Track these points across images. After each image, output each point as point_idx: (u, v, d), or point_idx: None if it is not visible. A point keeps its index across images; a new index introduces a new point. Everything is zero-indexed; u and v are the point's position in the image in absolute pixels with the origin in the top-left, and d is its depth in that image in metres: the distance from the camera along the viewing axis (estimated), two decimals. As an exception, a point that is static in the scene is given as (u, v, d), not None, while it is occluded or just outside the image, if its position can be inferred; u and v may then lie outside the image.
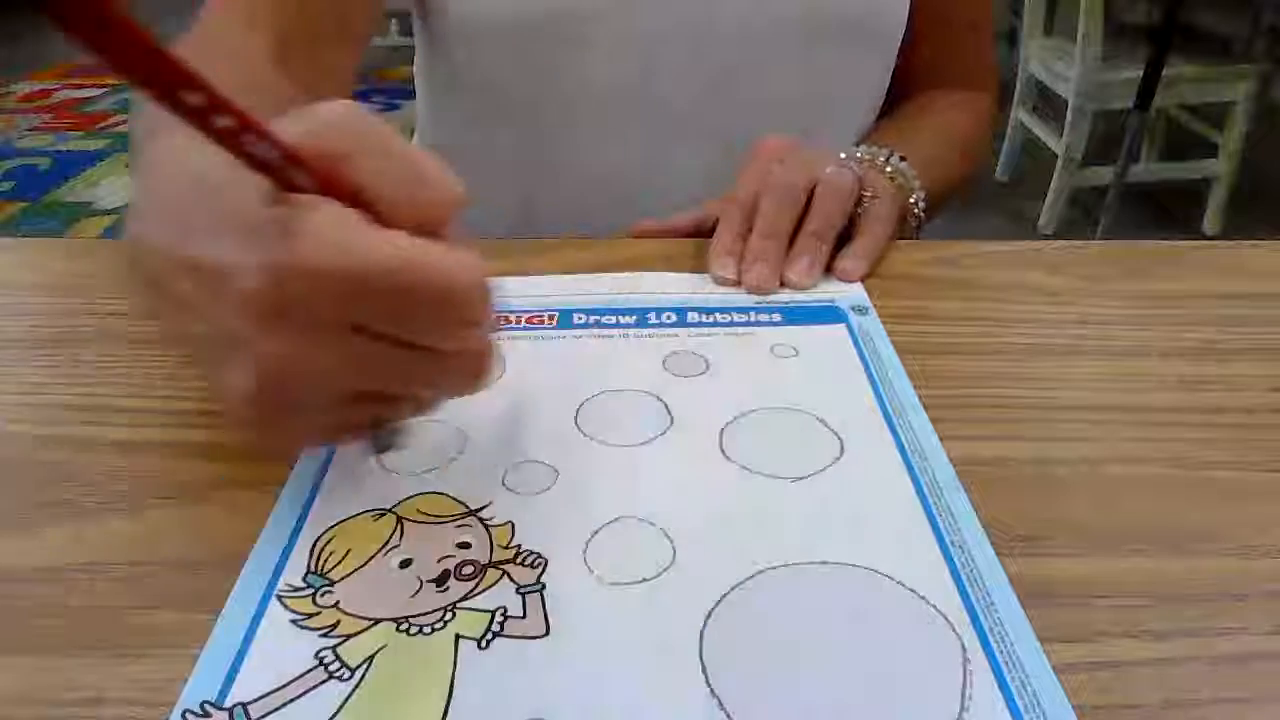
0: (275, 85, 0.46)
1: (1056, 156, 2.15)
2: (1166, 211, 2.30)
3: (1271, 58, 2.24)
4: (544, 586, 0.29)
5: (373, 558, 0.30)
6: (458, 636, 0.27)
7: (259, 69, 0.46)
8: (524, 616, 0.28)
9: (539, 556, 0.30)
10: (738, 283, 0.46)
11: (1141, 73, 1.79)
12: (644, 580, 0.29)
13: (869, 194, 0.48)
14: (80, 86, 3.23)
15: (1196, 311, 0.45)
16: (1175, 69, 1.89)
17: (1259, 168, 2.29)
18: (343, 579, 0.29)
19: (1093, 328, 0.44)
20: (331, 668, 0.26)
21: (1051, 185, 2.18)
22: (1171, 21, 1.73)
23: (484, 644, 0.27)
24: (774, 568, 0.29)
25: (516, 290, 0.46)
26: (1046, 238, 2.12)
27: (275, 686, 0.26)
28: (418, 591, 0.29)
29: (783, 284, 0.46)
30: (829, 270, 0.47)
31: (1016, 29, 2.41)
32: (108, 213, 2.34)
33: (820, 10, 0.57)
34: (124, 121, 2.92)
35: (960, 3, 0.64)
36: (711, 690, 0.25)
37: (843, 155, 0.50)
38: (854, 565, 0.29)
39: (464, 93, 0.63)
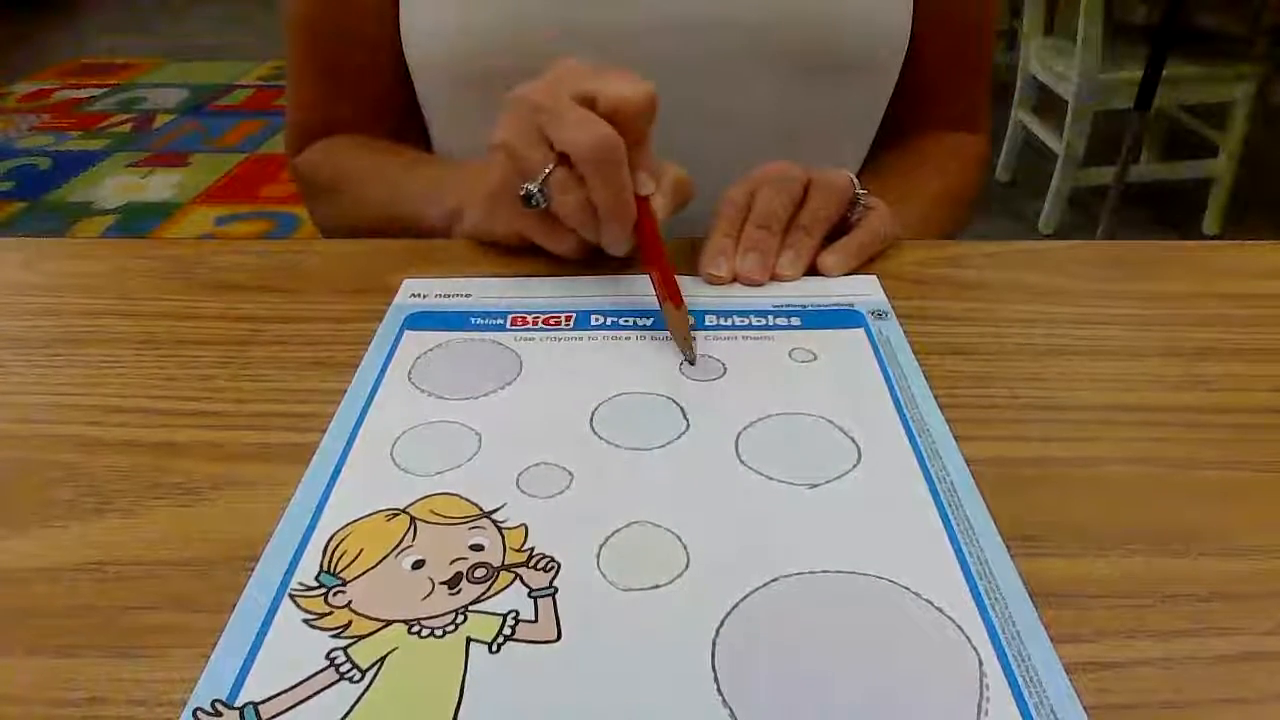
0: (376, 144, 0.62)
1: (1056, 156, 2.15)
2: (1166, 211, 2.30)
3: (1271, 58, 2.23)
4: (556, 590, 0.29)
5: (385, 558, 0.30)
6: (469, 640, 0.27)
7: (369, 145, 0.62)
8: (536, 620, 0.28)
9: (552, 560, 0.30)
10: (727, 280, 0.46)
11: (1141, 73, 1.79)
12: (657, 586, 0.29)
13: (865, 202, 0.49)
14: (80, 86, 3.23)
15: (1196, 311, 0.45)
16: (1175, 69, 1.89)
17: (1259, 168, 2.29)
18: (355, 579, 0.29)
19: (1093, 328, 0.44)
20: (343, 669, 0.26)
21: (1051, 185, 2.18)
22: (1171, 21, 1.73)
23: (495, 648, 0.27)
24: (788, 575, 0.29)
25: (532, 290, 0.46)
26: (1046, 238, 2.12)
27: (286, 686, 0.26)
28: (430, 593, 0.29)
29: (773, 277, 0.46)
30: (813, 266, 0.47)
31: (1016, 29, 2.41)
32: (108, 213, 2.35)
33: (816, 45, 0.56)
34: (124, 121, 2.92)
35: (963, 44, 0.64)
36: (723, 699, 0.25)
37: None
38: (870, 574, 0.29)
39: (442, 136, 0.63)
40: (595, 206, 0.42)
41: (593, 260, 0.46)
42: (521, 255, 0.49)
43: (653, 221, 0.44)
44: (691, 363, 0.40)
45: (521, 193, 0.43)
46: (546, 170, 0.42)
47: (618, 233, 0.43)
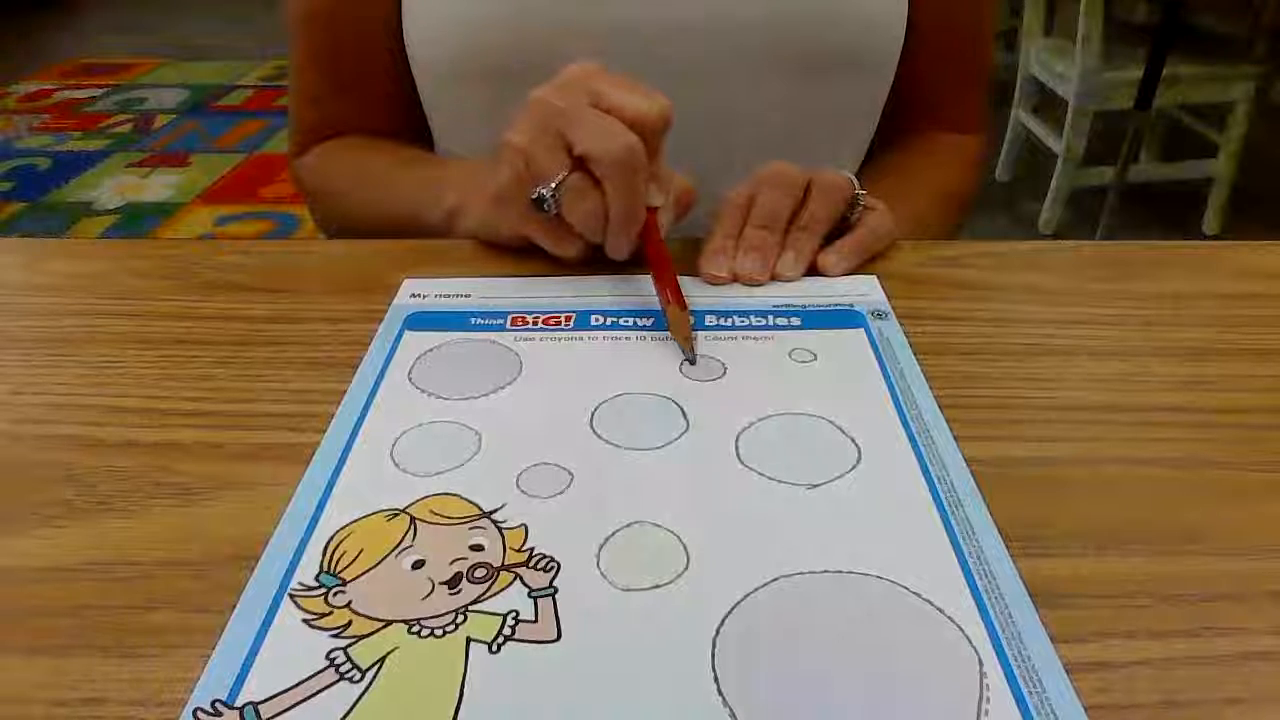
0: (377, 144, 0.62)
1: (1056, 156, 2.15)
2: (1166, 211, 2.30)
3: (1271, 58, 2.23)
4: (556, 590, 0.29)
5: (385, 558, 0.30)
6: (469, 640, 0.27)
7: (370, 147, 0.62)
8: (535, 620, 0.28)
9: (552, 560, 0.30)
10: (727, 280, 0.46)
11: (1141, 73, 1.79)
12: (657, 586, 0.29)
13: (864, 202, 0.49)
14: (80, 86, 3.23)
15: (1196, 311, 0.45)
16: (1175, 69, 1.89)
17: (1259, 168, 2.29)
18: (355, 579, 0.29)
19: (1093, 328, 0.44)
20: (343, 669, 0.26)
21: (1051, 185, 2.18)
22: (1171, 21, 1.73)
23: (495, 648, 0.27)
24: (788, 575, 0.29)
25: (533, 290, 0.46)
26: (1046, 238, 2.12)
27: (286, 686, 0.26)
28: (430, 593, 0.29)
29: (773, 277, 0.46)
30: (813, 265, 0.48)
31: (1016, 29, 2.41)
32: (108, 213, 2.34)
33: (814, 42, 0.56)
34: (124, 121, 2.92)
35: (960, 45, 0.64)
36: (723, 699, 0.25)
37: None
38: (870, 574, 0.29)
39: (444, 134, 0.63)
40: (606, 213, 0.43)
41: (593, 261, 0.46)
42: (521, 255, 0.49)
43: (657, 234, 0.45)
44: (692, 362, 0.40)
45: (533, 196, 0.43)
46: (561, 175, 0.42)
47: (624, 241, 0.44)
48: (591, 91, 0.42)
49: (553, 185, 0.42)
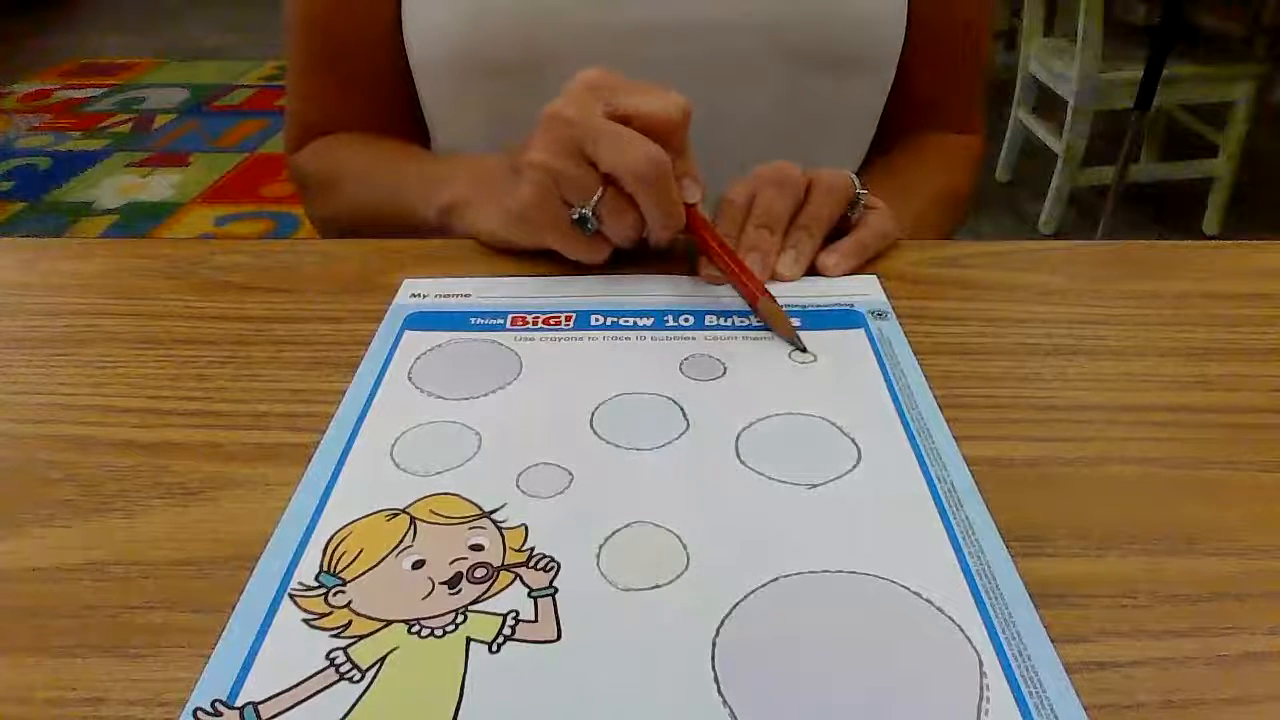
0: (375, 140, 0.62)
1: (1056, 156, 2.15)
2: (1166, 211, 2.30)
3: (1271, 58, 2.23)
4: (556, 590, 0.29)
5: (385, 558, 0.30)
6: (469, 640, 0.27)
7: (368, 142, 0.62)
8: (536, 620, 0.28)
9: (552, 560, 0.30)
10: (727, 281, 0.46)
11: (1141, 73, 1.79)
12: (657, 586, 0.29)
13: (865, 202, 0.49)
14: (80, 86, 3.23)
15: (1196, 311, 0.45)
16: (1175, 69, 1.89)
17: (1259, 168, 2.29)
18: (355, 579, 0.29)
19: (1093, 328, 0.44)
20: (342, 669, 0.26)
21: (1051, 185, 2.18)
22: (1171, 21, 1.73)
23: (495, 648, 0.27)
24: (788, 575, 0.29)
25: (533, 290, 0.46)
26: (1046, 238, 2.12)
27: (286, 686, 0.26)
28: (430, 593, 0.29)
29: (773, 277, 0.46)
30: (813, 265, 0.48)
31: (1016, 29, 2.41)
32: (108, 213, 2.35)
33: (815, 42, 0.56)
34: (124, 121, 2.92)
35: (957, 44, 0.64)
36: (723, 699, 0.25)
37: None
38: (870, 574, 0.29)
39: (442, 134, 0.63)
40: (642, 221, 0.43)
41: (611, 261, 0.47)
42: (521, 255, 0.49)
43: (710, 228, 0.45)
44: (803, 350, 0.41)
45: (575, 217, 0.43)
46: (599, 192, 0.42)
47: (666, 238, 0.45)
48: (604, 100, 0.42)
49: (592, 203, 0.43)
